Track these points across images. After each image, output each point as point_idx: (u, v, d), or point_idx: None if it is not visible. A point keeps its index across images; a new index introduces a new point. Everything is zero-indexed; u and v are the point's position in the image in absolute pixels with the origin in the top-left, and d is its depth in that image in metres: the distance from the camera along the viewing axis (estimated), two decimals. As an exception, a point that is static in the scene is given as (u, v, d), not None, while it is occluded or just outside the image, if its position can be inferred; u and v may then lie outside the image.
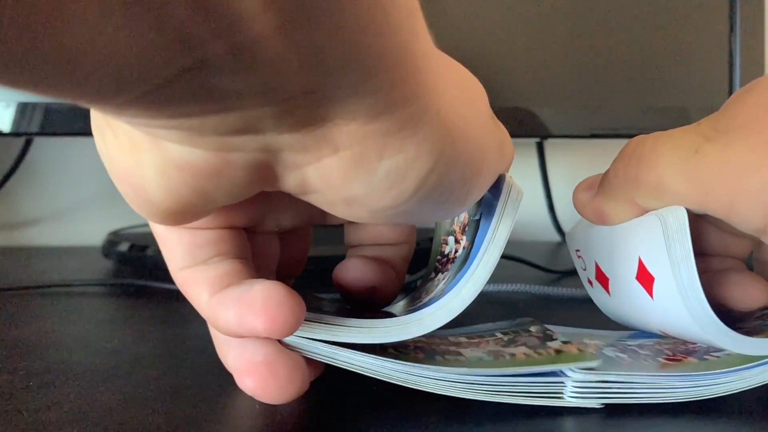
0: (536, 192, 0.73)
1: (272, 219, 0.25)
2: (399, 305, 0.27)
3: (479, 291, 0.23)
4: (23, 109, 0.50)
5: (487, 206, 0.24)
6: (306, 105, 0.15)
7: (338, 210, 0.20)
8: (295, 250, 0.28)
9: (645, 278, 0.26)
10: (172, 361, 0.29)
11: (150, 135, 0.17)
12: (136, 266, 0.52)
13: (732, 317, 0.28)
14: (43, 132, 0.50)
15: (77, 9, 0.10)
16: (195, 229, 0.22)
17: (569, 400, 0.24)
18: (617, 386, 0.24)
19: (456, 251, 0.26)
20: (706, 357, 0.26)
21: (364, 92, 0.16)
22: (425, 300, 0.25)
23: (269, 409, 0.24)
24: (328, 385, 0.26)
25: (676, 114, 0.56)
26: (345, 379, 0.27)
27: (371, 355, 0.23)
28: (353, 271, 0.26)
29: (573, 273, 0.51)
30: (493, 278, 0.44)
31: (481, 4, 0.53)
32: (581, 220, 0.31)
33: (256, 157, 0.17)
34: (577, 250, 0.31)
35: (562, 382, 0.24)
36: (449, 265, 0.26)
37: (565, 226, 0.73)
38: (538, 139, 0.68)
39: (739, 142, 0.23)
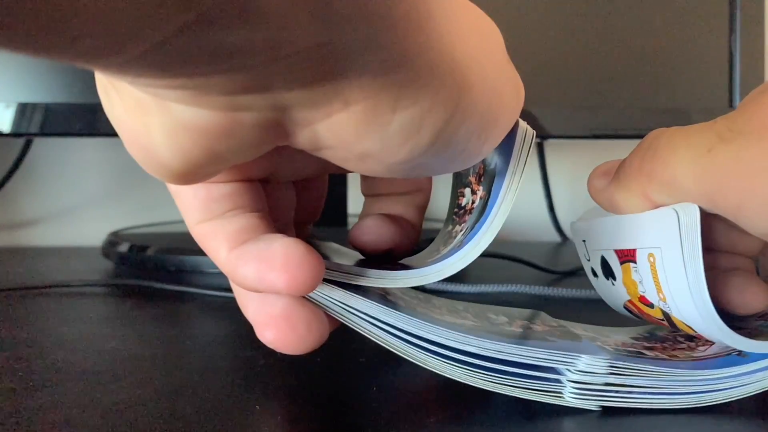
0: (536, 192, 0.73)
1: (287, 169, 0.25)
2: (416, 257, 0.27)
3: (494, 237, 0.24)
4: (23, 109, 0.50)
5: (501, 153, 0.24)
6: (316, 60, 0.15)
7: (352, 165, 0.19)
8: (311, 198, 0.28)
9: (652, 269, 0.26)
10: (172, 361, 0.29)
11: (155, 96, 0.16)
12: (136, 266, 0.52)
13: (734, 316, 0.28)
14: (43, 132, 0.50)
15: None
16: (210, 183, 0.22)
17: (569, 399, 0.24)
18: (616, 389, 0.24)
19: (473, 202, 0.26)
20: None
21: (376, 44, 0.15)
22: (444, 252, 0.25)
23: (270, 410, 0.24)
24: (329, 386, 0.26)
25: (676, 114, 0.56)
26: (345, 378, 0.27)
27: (387, 308, 0.23)
28: (369, 234, 0.26)
29: (573, 273, 0.51)
30: (494, 279, 0.45)
31: (480, 5, 0.53)
32: (589, 210, 0.31)
33: (265, 116, 0.17)
34: (584, 240, 0.31)
35: (560, 381, 0.24)
36: (467, 217, 0.26)
37: (565, 227, 0.73)
38: (538, 140, 0.68)
39: (752, 145, 0.22)
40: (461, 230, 0.25)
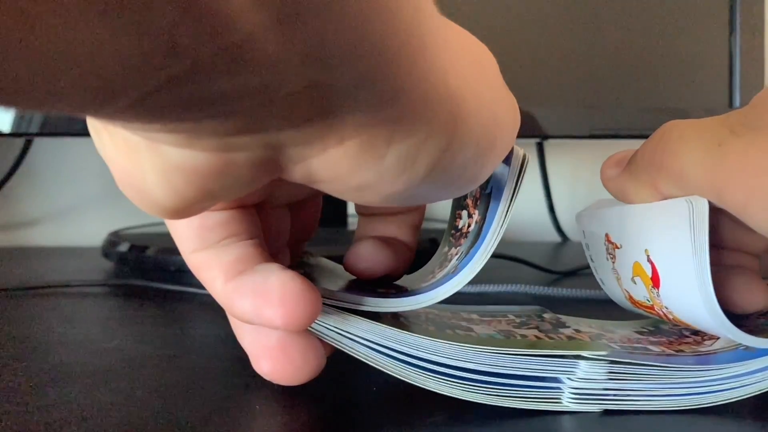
0: (536, 192, 0.73)
1: (282, 193, 0.25)
2: (411, 278, 0.27)
3: (487, 260, 0.24)
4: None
5: (497, 178, 0.24)
6: (309, 100, 0.15)
7: (348, 197, 0.19)
8: (306, 218, 0.28)
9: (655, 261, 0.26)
10: (172, 361, 0.29)
11: (147, 138, 0.16)
12: (136, 266, 0.52)
13: (735, 314, 0.28)
14: (43, 132, 0.50)
15: (50, 20, 0.10)
16: (205, 212, 0.22)
17: (567, 404, 0.24)
18: (614, 393, 0.24)
19: (469, 225, 0.26)
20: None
21: (369, 82, 0.15)
22: (438, 276, 0.25)
23: (270, 410, 0.24)
24: (329, 386, 0.26)
25: (675, 114, 0.56)
26: (345, 379, 0.27)
27: (381, 325, 0.23)
28: (365, 261, 0.26)
29: (573, 273, 0.51)
30: (494, 279, 0.45)
31: (480, 5, 0.53)
32: (599, 201, 0.31)
33: (259, 154, 0.17)
34: (583, 231, 0.31)
35: (559, 388, 0.24)
36: (462, 240, 0.26)
37: (565, 227, 0.73)
38: (538, 140, 0.68)
39: (761, 141, 0.22)
40: (456, 254, 0.26)
